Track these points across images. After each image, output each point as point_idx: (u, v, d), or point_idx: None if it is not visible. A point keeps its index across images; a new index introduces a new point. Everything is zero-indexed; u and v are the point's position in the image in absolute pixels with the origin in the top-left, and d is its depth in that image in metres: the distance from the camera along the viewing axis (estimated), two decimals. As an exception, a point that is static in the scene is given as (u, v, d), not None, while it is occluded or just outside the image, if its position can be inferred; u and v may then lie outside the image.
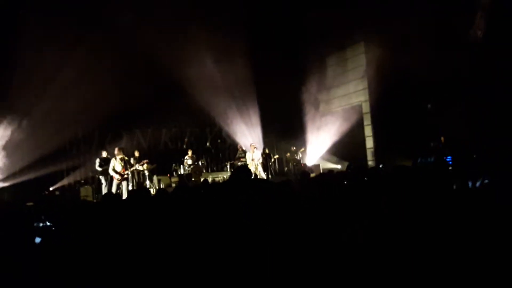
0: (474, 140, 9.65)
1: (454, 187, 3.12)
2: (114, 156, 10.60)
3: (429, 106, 11.43)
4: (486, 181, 2.93)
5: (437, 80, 10.27)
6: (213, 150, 15.07)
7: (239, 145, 14.44)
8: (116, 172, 10.43)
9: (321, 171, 13.25)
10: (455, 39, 10.08)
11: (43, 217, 4.13)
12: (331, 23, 12.38)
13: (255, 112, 15.17)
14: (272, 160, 13.78)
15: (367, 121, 14.41)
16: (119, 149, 10.75)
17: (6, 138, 11.37)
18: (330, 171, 7.54)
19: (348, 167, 7.97)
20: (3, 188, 11.06)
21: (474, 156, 7.59)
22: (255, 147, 12.53)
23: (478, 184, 2.98)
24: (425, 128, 11.50)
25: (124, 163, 10.59)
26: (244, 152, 13.29)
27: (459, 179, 3.19)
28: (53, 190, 12.11)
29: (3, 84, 11.02)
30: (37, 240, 3.61)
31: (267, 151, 13.28)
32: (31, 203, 7.74)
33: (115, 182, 10.48)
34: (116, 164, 10.48)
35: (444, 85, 10.37)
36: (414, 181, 2.82)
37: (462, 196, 2.70)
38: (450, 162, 8.06)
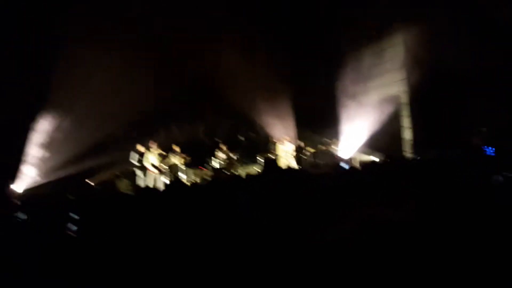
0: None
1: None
2: (150, 150, 10.84)
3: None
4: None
5: (478, 70, 9.81)
6: (246, 144, 15.08)
7: (271, 138, 14.38)
8: (152, 166, 10.65)
9: (355, 164, 12.98)
10: (497, 28, 9.59)
11: (77, 209, 4.27)
12: (368, 11, 12.08)
13: (288, 104, 15.03)
14: (307, 153, 13.63)
15: (405, 112, 14.01)
16: (155, 144, 10.99)
17: (48, 134, 11.85)
18: (373, 162, 7.37)
19: (385, 158, 7.79)
20: (45, 183, 11.57)
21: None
22: (287, 140, 12.43)
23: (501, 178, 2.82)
24: (465, 119, 11.04)
25: (160, 157, 10.81)
26: (275, 145, 13.22)
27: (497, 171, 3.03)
28: (92, 184, 12.53)
29: (45, 81, 11.47)
30: (73, 227, 3.74)
31: (301, 144, 13.16)
32: (72, 197, 8.01)
33: (151, 176, 10.72)
34: (152, 157, 10.71)
35: (485, 75, 9.90)
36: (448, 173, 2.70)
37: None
38: (492, 153, 7.70)
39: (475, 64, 9.60)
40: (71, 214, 4.55)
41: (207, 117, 15.56)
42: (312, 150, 14.38)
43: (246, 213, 2.40)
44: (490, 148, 8.46)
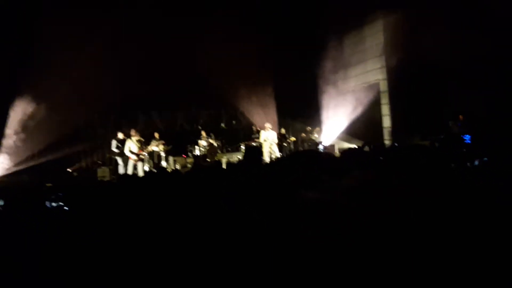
0: (492, 120, 9.40)
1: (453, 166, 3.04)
2: (130, 137, 10.73)
3: (447, 84, 11.09)
4: (485, 159, 2.84)
5: (457, 59, 9.96)
6: (228, 131, 15.08)
7: (253, 125, 14.40)
8: (132, 153, 10.56)
9: (336, 151, 13.14)
10: (477, 17, 9.73)
11: (53, 196, 4.20)
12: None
13: (270, 92, 15.05)
14: (289, 141, 13.72)
15: (384, 99, 14.13)
16: (135, 131, 10.89)
17: (25, 121, 11.60)
18: (350, 149, 7.44)
19: (363, 145, 7.86)
20: (23, 169, 11.37)
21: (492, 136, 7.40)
22: (269, 128, 12.47)
23: (476, 163, 2.89)
24: (443, 106, 11.24)
25: (140, 144, 10.72)
26: (259, 132, 13.26)
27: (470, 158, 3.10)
28: (71, 171, 12.37)
29: (23, 67, 11.18)
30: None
31: (283, 131, 13.21)
32: (49, 184, 7.89)
33: (131, 163, 10.63)
34: (132, 145, 10.62)
35: (463, 64, 10.06)
36: (426, 159, 2.75)
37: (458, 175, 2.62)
38: (468, 141, 7.88)
39: (455, 51, 9.74)
40: (48, 203, 4.49)
41: (189, 105, 15.45)
42: (293, 139, 14.48)
43: (230, 205, 2.40)
44: (466, 136, 8.66)
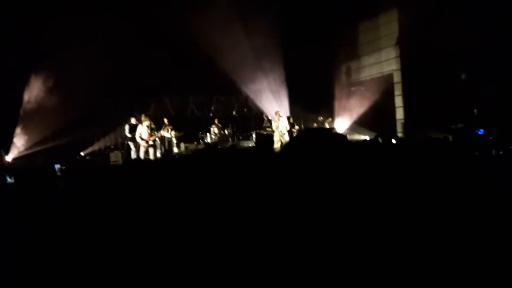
0: (507, 114, 9.24)
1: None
2: (142, 123, 10.80)
3: (463, 76, 10.94)
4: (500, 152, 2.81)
5: (472, 51, 9.76)
6: (239, 119, 15.08)
7: (264, 114, 14.38)
8: (142, 139, 10.64)
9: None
10: (494, 7, 9.50)
11: (66, 179, 4.29)
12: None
13: (282, 81, 14.97)
14: (295, 130, 13.66)
15: (398, 91, 13.97)
16: (146, 116, 10.95)
17: (39, 104, 11.76)
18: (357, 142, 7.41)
19: (376, 137, 7.80)
20: (37, 152, 11.56)
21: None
22: (280, 115, 12.42)
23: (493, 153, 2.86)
24: (458, 99, 11.07)
25: (151, 129, 10.79)
26: (270, 121, 13.22)
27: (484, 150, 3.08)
28: (84, 155, 12.52)
29: (37, 51, 11.29)
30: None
31: (291, 120, 13.17)
32: (63, 167, 8.02)
33: (142, 149, 10.72)
34: (142, 130, 10.69)
35: (479, 57, 9.86)
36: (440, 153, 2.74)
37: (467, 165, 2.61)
38: (481, 134, 7.78)
39: (470, 43, 9.54)
40: (62, 184, 4.59)
41: (202, 92, 15.47)
42: (297, 128, 14.37)
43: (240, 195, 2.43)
44: (479, 130, 8.56)
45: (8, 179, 4.34)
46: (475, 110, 10.52)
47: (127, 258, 2.20)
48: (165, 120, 12.56)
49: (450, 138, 8.00)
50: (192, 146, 13.13)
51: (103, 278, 2.06)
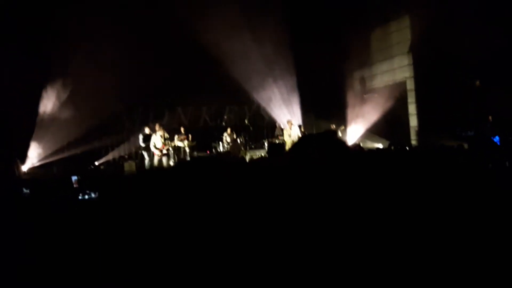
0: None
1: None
2: (156, 132, 10.91)
3: (477, 82, 10.81)
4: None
5: (486, 58, 9.64)
6: (251, 128, 15.11)
7: (277, 123, 14.40)
8: (156, 148, 10.73)
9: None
10: (508, 13, 9.39)
11: (87, 190, 4.34)
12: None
13: (294, 89, 14.99)
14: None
15: (411, 98, 13.84)
16: (160, 126, 11.06)
17: (54, 114, 11.96)
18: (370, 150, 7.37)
19: (389, 146, 7.76)
20: (52, 162, 11.73)
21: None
22: (292, 124, 12.43)
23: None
24: (472, 107, 10.93)
25: (164, 139, 10.89)
26: (282, 130, 13.23)
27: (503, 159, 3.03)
28: (99, 164, 12.67)
29: (51, 60, 11.50)
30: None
31: (302, 129, 13.16)
32: (78, 177, 8.10)
33: (156, 158, 10.81)
34: (156, 140, 10.79)
35: (493, 63, 9.74)
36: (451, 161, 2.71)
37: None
38: (497, 142, 7.67)
39: (484, 49, 9.43)
40: (81, 195, 4.64)
41: (214, 101, 15.57)
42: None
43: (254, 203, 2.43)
44: (495, 137, 8.42)
45: (24, 190, 4.43)
46: (490, 117, 10.38)
47: (129, 258, 2.22)
48: (182, 129, 12.68)
49: (465, 145, 7.89)
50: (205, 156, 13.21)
51: (104, 278, 2.08)
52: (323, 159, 2.42)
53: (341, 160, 2.39)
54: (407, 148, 7.46)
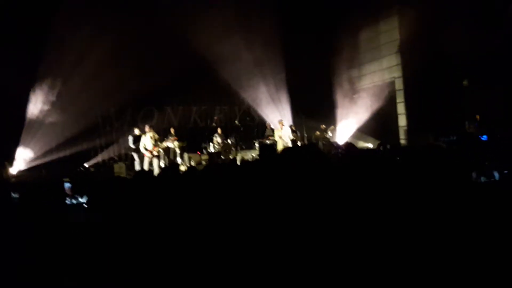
0: (510, 120, 9.23)
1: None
2: (146, 133, 10.84)
3: (464, 82, 10.96)
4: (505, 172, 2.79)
5: (474, 58, 9.78)
6: (242, 128, 15.09)
7: (267, 123, 14.41)
8: (146, 150, 10.67)
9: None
10: (493, 16, 9.54)
11: (76, 195, 4.29)
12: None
13: (284, 90, 15.02)
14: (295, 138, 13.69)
15: (400, 98, 13.98)
16: (150, 127, 10.99)
17: (43, 116, 11.82)
18: (363, 149, 7.41)
19: (379, 145, 7.79)
20: (41, 164, 11.59)
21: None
22: (283, 124, 12.45)
23: (496, 175, 2.84)
24: (460, 106, 11.08)
25: (155, 140, 10.82)
26: (273, 130, 13.25)
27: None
28: (88, 166, 12.55)
29: (39, 62, 11.37)
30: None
31: (293, 128, 13.20)
32: (67, 179, 8.03)
33: (146, 159, 10.74)
34: (146, 141, 10.72)
35: (481, 63, 9.88)
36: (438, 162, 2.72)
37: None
38: (485, 141, 7.77)
39: (472, 50, 9.56)
40: (68, 200, 4.60)
41: (204, 101, 15.53)
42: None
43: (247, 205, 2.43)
44: (483, 136, 8.53)
45: (13, 194, 4.34)
46: (478, 116, 10.52)
47: (129, 259, 2.21)
48: (172, 130, 12.60)
49: (454, 146, 8.00)
50: (196, 157, 13.16)
51: (105, 278, 2.07)
52: (305, 172, 2.42)
53: (322, 173, 2.38)
54: (396, 148, 7.51)
